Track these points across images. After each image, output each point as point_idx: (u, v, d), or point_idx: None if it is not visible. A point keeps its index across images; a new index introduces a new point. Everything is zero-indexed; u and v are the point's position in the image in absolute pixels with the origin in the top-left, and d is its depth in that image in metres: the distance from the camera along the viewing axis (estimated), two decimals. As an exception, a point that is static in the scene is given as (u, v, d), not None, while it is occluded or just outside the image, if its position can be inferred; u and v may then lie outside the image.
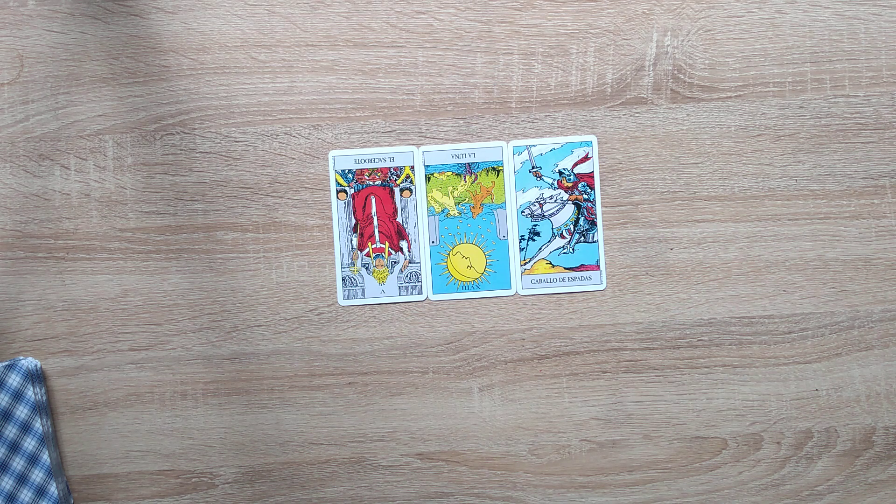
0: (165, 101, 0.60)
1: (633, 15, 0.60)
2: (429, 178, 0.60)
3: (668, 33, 0.60)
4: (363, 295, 0.60)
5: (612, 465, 0.60)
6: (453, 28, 0.60)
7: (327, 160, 0.60)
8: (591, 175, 0.60)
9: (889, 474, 0.60)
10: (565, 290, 0.60)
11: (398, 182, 0.60)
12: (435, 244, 0.60)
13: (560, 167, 0.60)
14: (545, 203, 0.60)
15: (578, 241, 0.60)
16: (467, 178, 0.60)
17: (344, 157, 0.60)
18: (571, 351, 0.60)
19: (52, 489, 0.58)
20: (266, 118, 0.60)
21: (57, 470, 0.59)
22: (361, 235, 0.60)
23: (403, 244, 0.60)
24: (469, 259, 0.60)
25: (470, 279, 0.60)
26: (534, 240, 0.60)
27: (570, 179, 0.60)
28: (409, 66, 0.60)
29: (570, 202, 0.60)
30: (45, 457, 0.58)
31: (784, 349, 0.60)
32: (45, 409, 0.59)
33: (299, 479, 0.60)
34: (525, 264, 0.60)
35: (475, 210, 0.60)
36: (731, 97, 0.60)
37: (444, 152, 0.60)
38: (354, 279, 0.60)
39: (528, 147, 0.60)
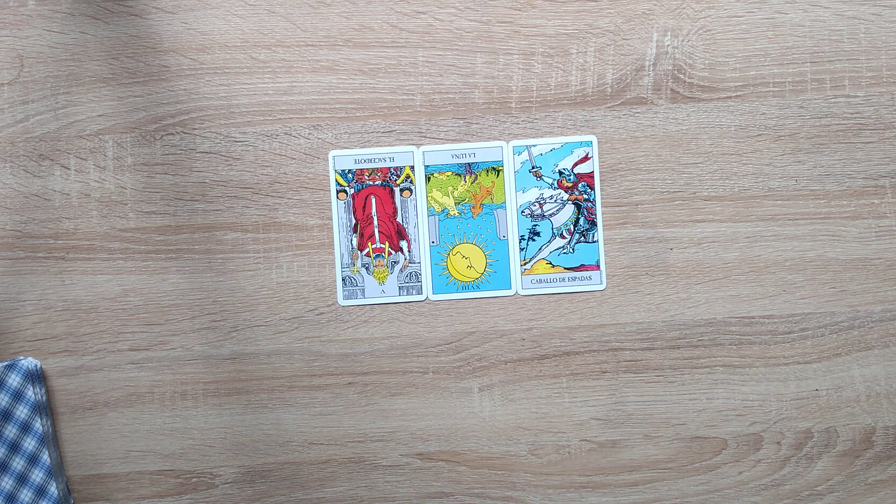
0: (165, 101, 0.60)
1: (633, 15, 0.60)
2: (429, 178, 0.60)
3: (668, 33, 0.60)
4: (363, 295, 0.60)
5: (612, 465, 0.60)
6: (453, 28, 0.60)
7: (327, 160, 0.60)
8: (591, 175, 0.60)
9: (889, 474, 0.60)
10: (565, 290, 0.60)
11: (398, 182, 0.60)
12: (435, 244, 0.60)
13: (560, 167, 0.60)
14: (545, 203, 0.60)
15: (578, 241, 0.60)
16: (467, 178, 0.60)
17: (344, 157, 0.60)
18: (571, 351, 0.60)
19: (52, 489, 0.58)
20: (266, 118, 0.60)
21: (57, 470, 0.59)
22: (361, 235, 0.60)
23: (403, 244, 0.60)
24: (469, 259, 0.60)
25: (470, 279, 0.60)
26: (534, 240, 0.60)
27: (570, 179, 0.60)
28: (409, 66, 0.60)
29: (570, 202, 0.60)
30: (45, 457, 0.58)
31: (784, 349, 0.60)
32: (45, 409, 0.59)
33: (299, 479, 0.60)
34: (525, 264, 0.60)
35: (475, 210, 0.60)
36: (731, 97, 0.60)
37: (444, 152, 0.60)
38: (354, 279, 0.60)
39: (528, 147, 0.60)
